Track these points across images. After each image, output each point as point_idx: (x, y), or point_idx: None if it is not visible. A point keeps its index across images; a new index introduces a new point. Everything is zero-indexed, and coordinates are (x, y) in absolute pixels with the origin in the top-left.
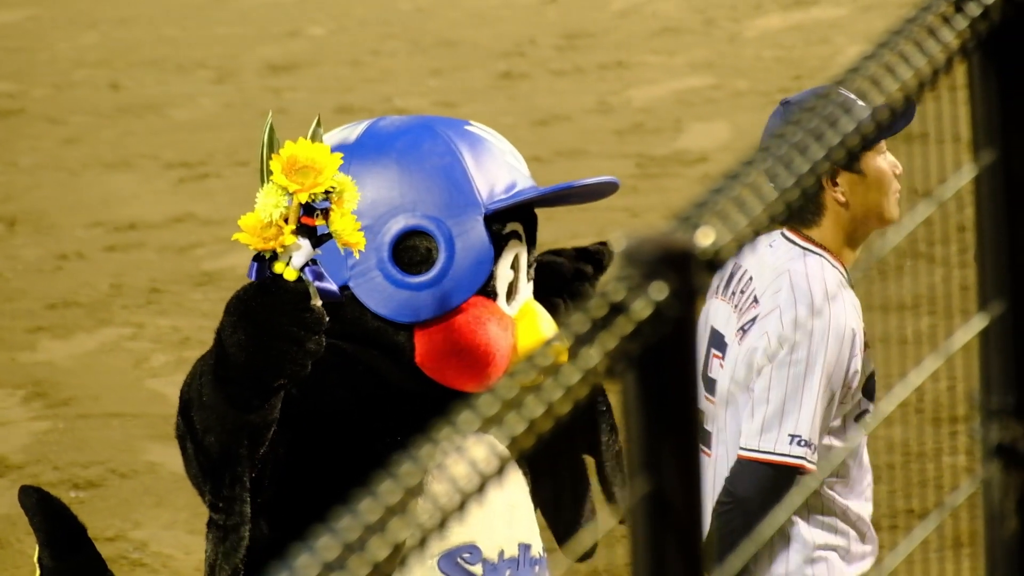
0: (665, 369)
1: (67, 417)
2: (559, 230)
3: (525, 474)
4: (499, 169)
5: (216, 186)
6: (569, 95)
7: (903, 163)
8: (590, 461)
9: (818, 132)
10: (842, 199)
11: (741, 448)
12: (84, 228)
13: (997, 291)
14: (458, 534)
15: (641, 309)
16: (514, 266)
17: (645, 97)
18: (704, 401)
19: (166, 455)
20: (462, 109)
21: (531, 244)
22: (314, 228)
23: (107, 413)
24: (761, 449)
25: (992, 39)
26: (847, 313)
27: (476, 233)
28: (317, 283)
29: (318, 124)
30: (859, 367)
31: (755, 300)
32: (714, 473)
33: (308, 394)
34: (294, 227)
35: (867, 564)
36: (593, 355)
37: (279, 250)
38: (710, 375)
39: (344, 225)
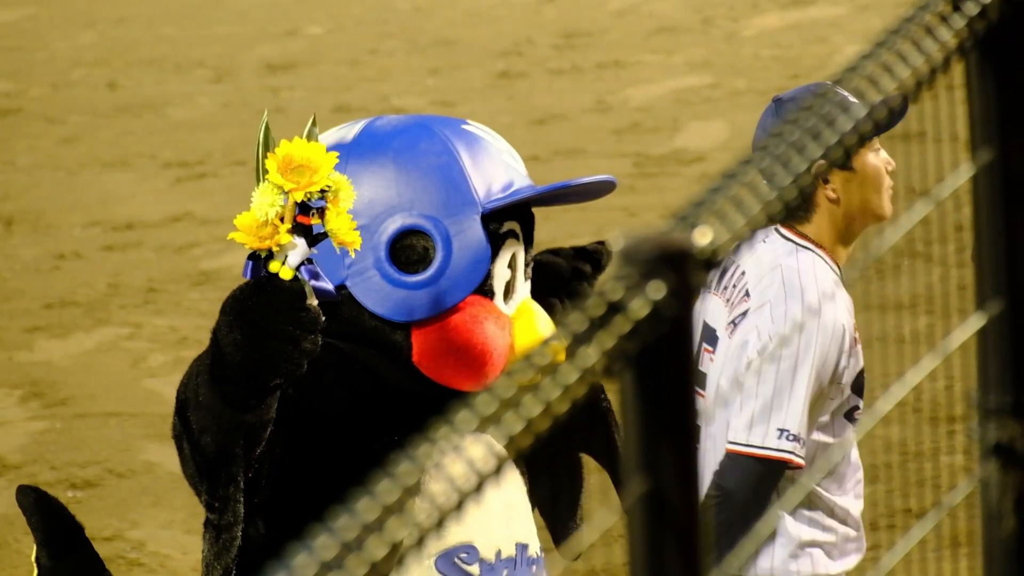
0: (663, 368)
1: (64, 417)
2: (557, 229)
3: (522, 473)
4: (496, 168)
5: (214, 185)
6: (567, 94)
7: (901, 162)
8: (588, 461)
9: (815, 131)
10: (833, 195)
11: (729, 442)
12: (82, 227)
13: (995, 290)
14: (455, 534)
15: (639, 308)
16: (511, 265)
17: (643, 96)
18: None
19: (164, 455)
20: (460, 108)
21: (528, 243)
22: (310, 227)
23: (104, 413)
24: (750, 443)
25: (990, 38)
26: (837, 309)
27: (473, 232)
28: (313, 282)
29: (313, 123)
30: (849, 363)
31: (746, 294)
32: (703, 467)
33: (305, 393)
34: (290, 226)
35: (854, 561)
36: (591, 354)
37: (275, 249)
38: (700, 369)
39: (340, 224)
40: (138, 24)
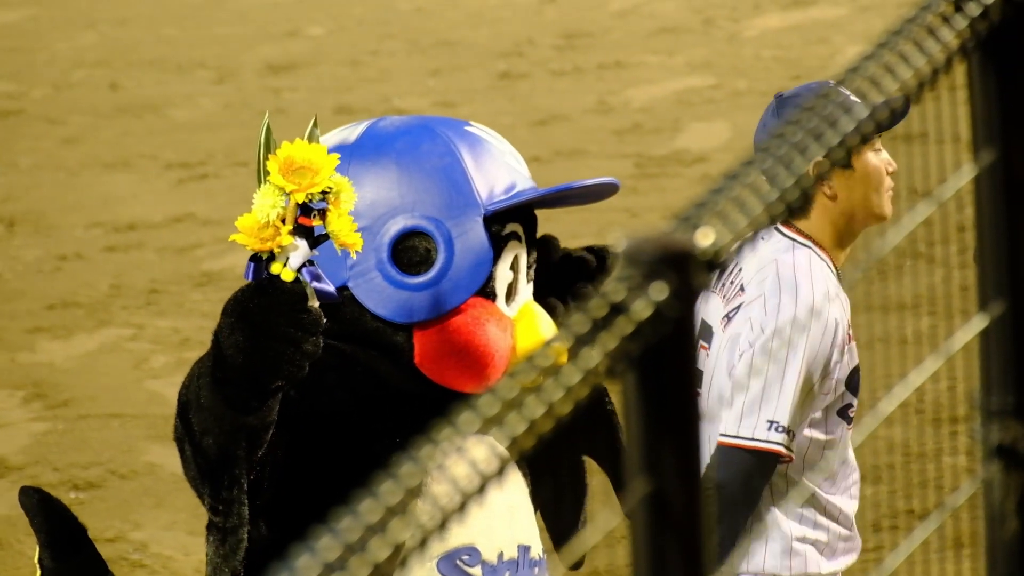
0: (665, 369)
1: (67, 418)
2: (559, 230)
3: (525, 475)
4: (499, 170)
5: (215, 186)
6: (568, 95)
7: (903, 163)
8: (590, 464)
9: (818, 132)
10: (830, 192)
11: (720, 435)
12: (83, 228)
13: (997, 291)
14: (457, 536)
15: (641, 309)
16: (513, 267)
17: (644, 97)
18: None
19: (166, 456)
20: (461, 109)
21: (531, 245)
22: (311, 229)
23: (107, 414)
24: (739, 435)
25: (992, 39)
26: (831, 303)
27: (475, 234)
28: (314, 284)
29: (315, 125)
30: (842, 359)
31: (742, 289)
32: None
33: (307, 395)
34: (291, 228)
35: (848, 560)
36: (593, 355)
37: (276, 251)
38: (697, 366)
39: (341, 226)
40: (139, 25)
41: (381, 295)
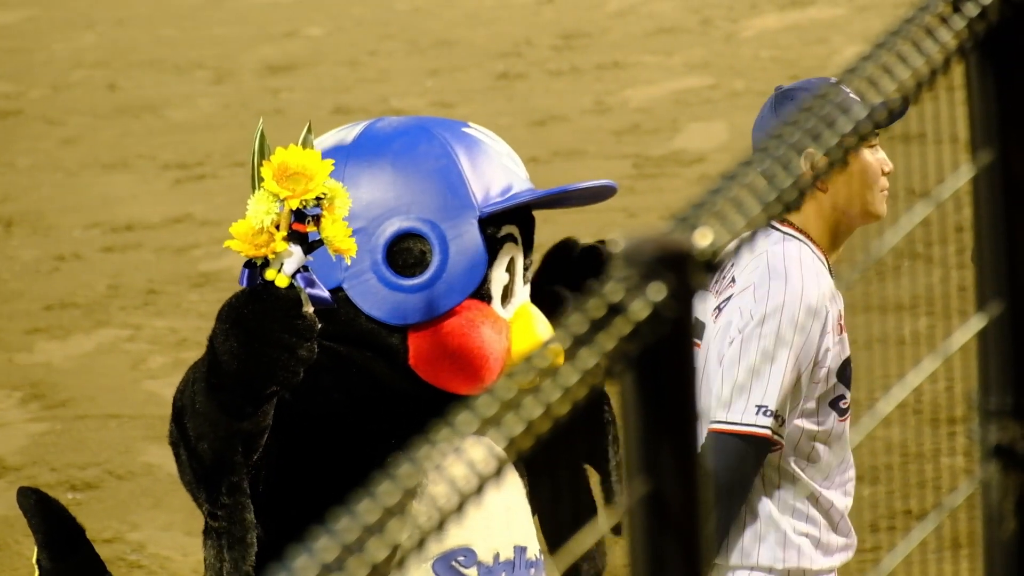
0: (663, 370)
1: (64, 418)
2: (557, 231)
3: (522, 475)
4: (495, 172)
5: (214, 187)
6: (566, 95)
7: (901, 164)
8: (592, 472)
9: (816, 132)
10: (821, 186)
11: (711, 422)
12: (81, 229)
13: (995, 292)
14: (453, 537)
15: (639, 310)
16: (509, 269)
17: (642, 97)
18: None
19: (163, 456)
20: (459, 110)
21: (527, 247)
22: (305, 234)
23: (104, 414)
24: (728, 420)
25: (990, 39)
26: (821, 291)
27: (470, 236)
28: (309, 290)
29: (309, 130)
30: (831, 346)
31: (732, 280)
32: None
33: (302, 397)
34: (285, 234)
35: (843, 558)
36: (591, 356)
37: (271, 257)
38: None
39: (335, 231)
40: (138, 25)
41: (376, 297)
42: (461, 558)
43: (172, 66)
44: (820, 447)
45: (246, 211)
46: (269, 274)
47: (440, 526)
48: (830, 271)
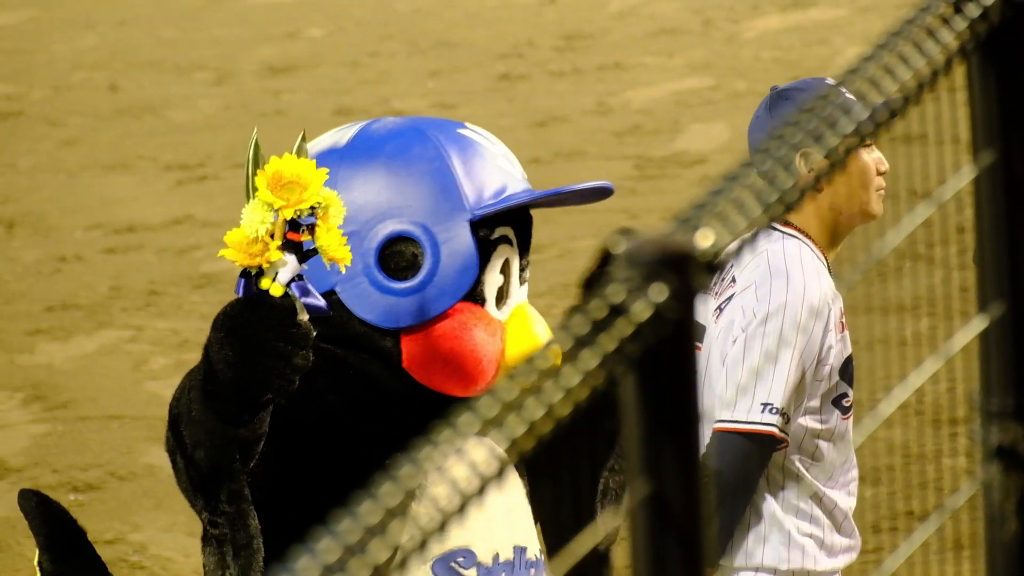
0: (665, 371)
1: (66, 420)
2: (557, 231)
3: (522, 475)
4: (489, 173)
5: (215, 188)
6: (567, 96)
7: (902, 164)
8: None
9: (817, 133)
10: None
11: (716, 421)
12: (83, 230)
13: (997, 293)
14: (453, 538)
15: (641, 311)
16: (504, 271)
17: (643, 98)
18: None
19: (165, 458)
20: (460, 111)
21: (524, 248)
22: (300, 243)
23: (106, 416)
24: (734, 419)
25: (991, 40)
26: (823, 289)
27: (462, 239)
28: (304, 298)
29: (303, 139)
30: (835, 344)
31: (733, 280)
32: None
33: (299, 400)
34: (280, 243)
35: (847, 559)
36: (593, 357)
37: (265, 266)
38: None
39: (330, 240)
40: (139, 26)
41: (368, 300)
42: (461, 559)
43: (173, 67)
44: (824, 445)
45: (240, 220)
46: (264, 283)
47: (442, 527)
48: (829, 270)
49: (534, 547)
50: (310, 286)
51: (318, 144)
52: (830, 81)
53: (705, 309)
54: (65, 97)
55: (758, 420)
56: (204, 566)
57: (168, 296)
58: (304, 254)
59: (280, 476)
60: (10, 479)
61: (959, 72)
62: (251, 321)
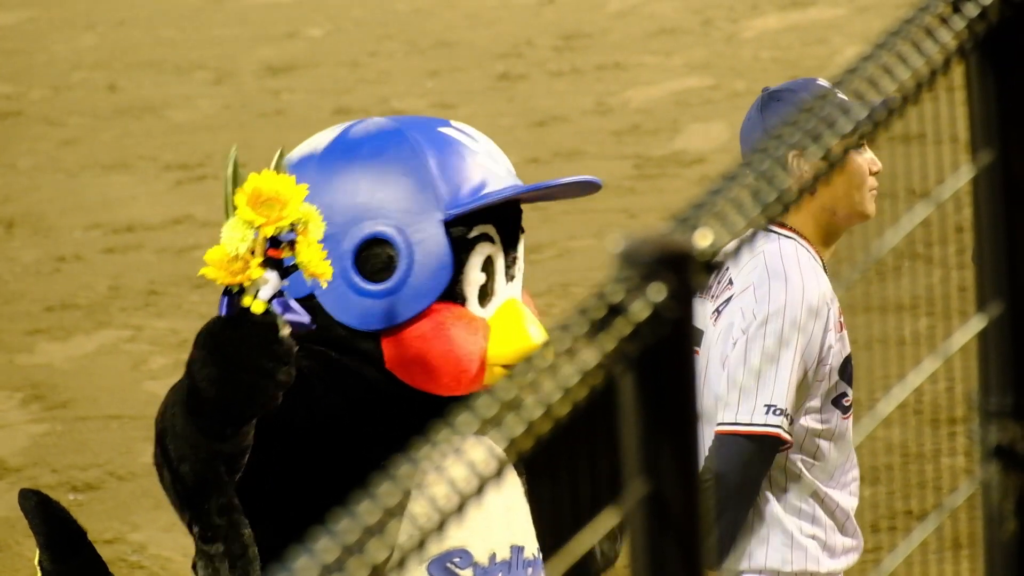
0: (663, 370)
1: (65, 419)
2: (556, 231)
3: (520, 474)
4: (468, 171)
5: (214, 188)
6: (567, 96)
7: (901, 164)
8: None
9: (815, 133)
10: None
11: (718, 424)
12: (82, 230)
13: (995, 292)
14: (449, 538)
15: (639, 310)
16: (487, 268)
17: (643, 98)
18: None
19: None
20: (460, 110)
21: (509, 244)
22: (281, 260)
23: (105, 415)
24: (738, 421)
25: (990, 39)
26: (821, 290)
27: (435, 239)
28: (286, 315)
29: (281, 155)
30: (834, 344)
31: (730, 282)
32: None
33: (296, 402)
34: (261, 260)
35: (849, 560)
36: (592, 356)
37: (246, 284)
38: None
39: (311, 256)
40: (138, 26)
41: (346, 303)
42: (457, 559)
43: (172, 67)
44: (825, 444)
45: (220, 238)
46: (245, 301)
47: (440, 527)
48: (824, 269)
49: (532, 546)
50: (292, 302)
51: (299, 150)
52: (822, 82)
53: (702, 312)
54: (64, 97)
55: (761, 422)
56: None
57: (167, 296)
58: (285, 270)
59: (281, 477)
60: (9, 479)
61: (958, 72)
62: (233, 339)
